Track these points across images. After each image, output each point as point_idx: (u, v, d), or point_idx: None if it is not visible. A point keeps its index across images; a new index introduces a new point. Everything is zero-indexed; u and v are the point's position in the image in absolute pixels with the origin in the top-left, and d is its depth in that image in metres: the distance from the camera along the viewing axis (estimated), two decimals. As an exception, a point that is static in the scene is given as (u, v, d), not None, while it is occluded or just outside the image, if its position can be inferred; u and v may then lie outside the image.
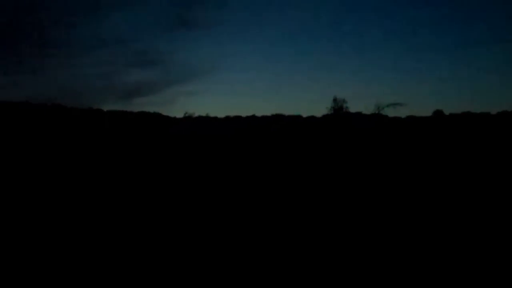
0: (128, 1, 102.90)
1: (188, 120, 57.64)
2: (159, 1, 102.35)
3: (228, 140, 35.18)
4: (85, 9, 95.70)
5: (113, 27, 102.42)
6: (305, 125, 52.51)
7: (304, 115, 59.96)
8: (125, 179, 13.54)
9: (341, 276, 5.46)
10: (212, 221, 8.17)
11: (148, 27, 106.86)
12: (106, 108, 57.41)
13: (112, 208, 9.27)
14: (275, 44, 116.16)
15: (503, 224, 7.87)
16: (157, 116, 60.02)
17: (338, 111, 47.80)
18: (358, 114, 48.50)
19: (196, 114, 60.11)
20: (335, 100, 47.86)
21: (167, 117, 60.65)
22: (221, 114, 68.10)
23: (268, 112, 66.22)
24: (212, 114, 61.87)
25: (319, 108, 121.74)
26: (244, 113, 64.04)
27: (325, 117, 51.75)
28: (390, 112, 59.41)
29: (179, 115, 61.12)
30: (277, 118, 59.36)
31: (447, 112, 52.86)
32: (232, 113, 66.25)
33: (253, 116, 61.91)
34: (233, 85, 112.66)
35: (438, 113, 51.86)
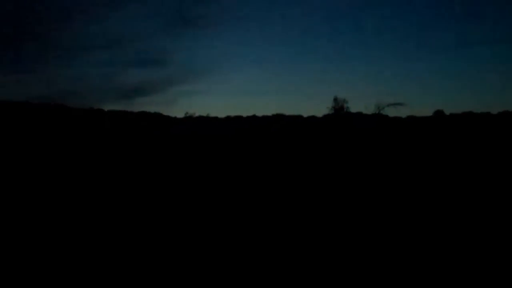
0: (129, 1, 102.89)
1: (189, 120, 57.65)
2: (160, 1, 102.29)
3: (229, 140, 35.19)
4: (86, 9, 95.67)
5: (113, 26, 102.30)
6: (305, 125, 52.51)
7: (305, 115, 59.95)
8: (126, 179, 13.55)
9: (343, 276, 5.47)
10: (213, 221, 8.18)
11: (149, 27, 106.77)
12: (107, 108, 57.46)
13: (113, 208, 9.29)
14: (276, 44, 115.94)
15: (504, 223, 7.87)
16: (158, 116, 60.05)
17: (339, 111, 47.79)
18: (359, 114, 48.49)
19: (197, 114, 60.15)
20: (335, 100, 47.86)
21: (168, 117, 60.68)
22: (221, 114, 68.03)
23: (268, 112, 66.17)
24: (212, 114, 61.87)
25: (320, 108, 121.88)
26: (244, 113, 63.97)
27: (325, 117, 51.75)
28: (391, 112, 59.55)
29: (180, 115, 61.12)
30: (278, 118, 59.36)
31: (447, 112, 52.86)
32: (233, 113, 66.20)
33: (254, 116, 61.91)
34: (234, 85, 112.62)
35: (438, 113, 51.84)
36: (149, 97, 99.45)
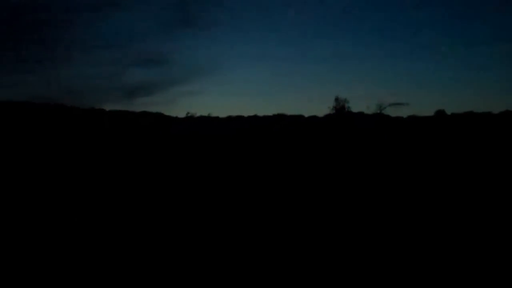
0: (130, 1, 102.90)
1: (190, 120, 57.64)
2: (161, 1, 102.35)
3: (230, 140, 35.18)
4: (87, 9, 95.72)
5: (115, 27, 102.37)
6: (307, 125, 52.46)
7: (306, 115, 59.86)
8: (127, 179, 13.54)
9: (346, 276, 5.44)
10: (214, 221, 8.16)
11: (150, 27, 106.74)
12: (108, 108, 57.45)
13: (114, 208, 9.27)
14: (277, 44, 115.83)
15: (505, 223, 7.84)
16: (159, 116, 60.04)
17: (340, 111, 47.78)
18: (360, 114, 48.47)
19: (198, 114, 60.12)
20: (337, 99, 47.87)
21: (169, 117, 60.65)
22: (223, 114, 67.98)
23: (270, 112, 66.08)
24: (214, 114, 61.77)
25: (321, 108, 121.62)
26: (246, 113, 63.92)
27: (327, 117, 51.72)
28: (392, 112, 59.54)
29: (181, 115, 61.07)
30: (279, 118, 59.27)
31: (449, 111, 52.75)
32: (234, 113, 66.09)
33: (255, 116, 61.83)
34: (235, 85, 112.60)
35: (440, 113, 51.75)
36: (150, 97, 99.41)
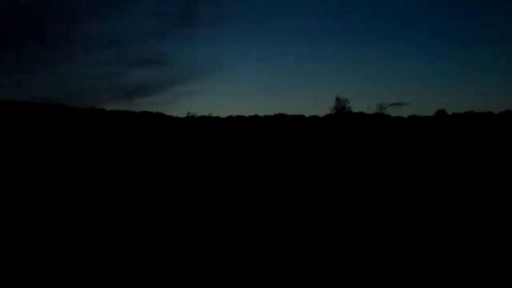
0: (131, 1, 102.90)
1: (191, 120, 57.65)
2: (163, 1, 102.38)
3: (230, 140, 35.17)
4: (87, 9, 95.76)
5: (115, 27, 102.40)
6: (307, 125, 52.47)
7: (307, 115, 59.85)
8: (127, 179, 13.53)
9: (346, 276, 5.42)
10: (214, 221, 8.14)
11: (150, 27, 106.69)
12: (108, 108, 57.49)
13: (114, 208, 9.26)
14: (278, 44, 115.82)
15: (506, 222, 7.82)
16: (160, 116, 60.06)
17: (341, 110, 47.79)
18: (361, 113, 48.47)
19: (199, 114, 60.13)
20: (337, 99, 47.88)
21: (170, 117, 60.67)
22: (223, 114, 67.96)
23: (270, 112, 65.99)
24: (214, 114, 61.76)
25: (321, 108, 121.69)
26: (246, 113, 63.90)
27: (327, 117, 51.74)
28: (393, 112, 59.51)
29: (182, 115, 61.09)
30: (280, 118, 59.27)
31: (449, 111, 52.74)
32: (235, 113, 66.07)
33: (256, 116, 61.83)
34: (235, 85, 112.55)
35: (440, 113, 51.73)
36: (151, 97, 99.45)
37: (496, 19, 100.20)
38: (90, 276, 5.41)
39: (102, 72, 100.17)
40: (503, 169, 15.48)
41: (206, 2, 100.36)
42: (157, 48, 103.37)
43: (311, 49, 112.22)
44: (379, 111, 43.72)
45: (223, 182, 13.11)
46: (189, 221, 8.14)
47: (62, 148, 25.37)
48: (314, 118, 57.72)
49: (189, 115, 59.29)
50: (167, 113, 62.77)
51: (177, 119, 59.75)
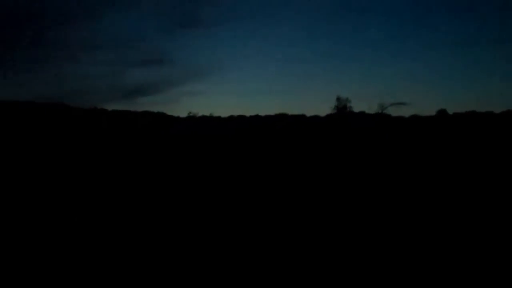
0: (132, 1, 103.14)
1: (192, 119, 57.75)
2: (163, 1, 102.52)
3: (231, 140, 35.18)
4: (89, 9, 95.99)
5: (117, 27, 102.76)
6: (308, 124, 52.47)
7: (308, 114, 59.93)
8: (127, 179, 13.54)
9: (343, 276, 5.42)
10: (214, 221, 8.14)
11: (152, 28, 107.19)
12: (110, 107, 57.68)
13: (115, 208, 9.27)
14: (279, 44, 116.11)
15: (506, 222, 7.81)
16: (161, 116, 60.20)
17: (342, 110, 47.82)
18: (362, 113, 48.51)
19: (200, 114, 60.26)
20: (338, 99, 47.93)
21: (171, 117, 60.80)
22: (224, 114, 68.07)
23: (271, 112, 66.09)
24: (215, 114, 61.90)
25: (322, 108, 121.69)
26: (247, 113, 63.98)
27: (328, 116, 51.78)
28: (394, 112, 59.38)
29: (183, 114, 61.25)
30: (281, 118, 59.32)
31: (451, 111, 52.75)
32: (236, 113, 66.16)
33: (257, 116, 61.91)
34: (236, 85, 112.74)
35: (442, 112, 51.70)
36: (152, 96, 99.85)
37: (496, 19, 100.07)
38: (90, 276, 5.43)
39: (103, 72, 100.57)
40: (504, 168, 15.44)
41: (207, 2, 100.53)
42: (158, 48, 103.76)
43: (312, 49, 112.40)
44: (380, 111, 43.74)
45: (224, 181, 13.11)
46: (189, 221, 8.14)
47: (63, 148, 25.43)
48: (315, 118, 57.77)
49: (190, 115, 59.46)
50: (169, 113, 63.00)
51: (178, 118, 59.89)
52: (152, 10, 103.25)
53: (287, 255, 6.15)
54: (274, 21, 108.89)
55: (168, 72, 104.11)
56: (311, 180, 13.40)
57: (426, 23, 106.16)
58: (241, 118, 60.94)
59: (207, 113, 61.51)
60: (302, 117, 59.43)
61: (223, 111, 73.66)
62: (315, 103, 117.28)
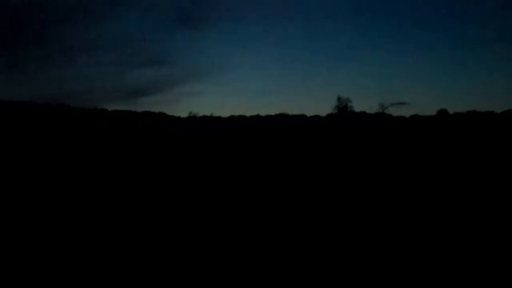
0: (133, 2, 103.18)
1: (192, 119, 57.74)
2: (163, 1, 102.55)
3: (232, 140, 35.17)
4: (90, 9, 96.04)
5: (118, 27, 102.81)
6: (309, 124, 52.44)
7: (308, 114, 59.85)
8: (128, 179, 13.53)
9: (343, 275, 5.41)
10: (216, 220, 8.13)
11: (153, 28, 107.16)
12: (110, 108, 57.67)
13: (116, 208, 9.26)
14: (279, 44, 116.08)
15: (508, 221, 7.79)
16: (162, 116, 60.17)
17: (343, 110, 47.82)
18: (362, 113, 48.47)
19: (200, 114, 60.24)
20: (339, 99, 47.94)
21: (172, 117, 60.76)
22: (225, 114, 68.08)
23: (272, 112, 66.02)
24: (216, 114, 61.88)
25: (323, 107, 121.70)
26: (248, 113, 63.91)
27: (329, 116, 51.76)
28: (394, 111, 59.48)
29: (184, 114, 61.23)
30: (281, 118, 59.25)
31: (451, 111, 52.68)
32: (236, 113, 66.11)
33: (258, 116, 61.82)
34: (237, 85, 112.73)
35: (442, 112, 51.64)
36: (152, 97, 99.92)
37: (496, 19, 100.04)
38: (90, 276, 5.41)
39: (104, 72, 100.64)
40: (505, 168, 15.41)
41: (207, 2, 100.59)
42: (159, 48, 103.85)
43: (313, 49, 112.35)
44: (380, 111, 43.72)
45: (224, 181, 13.09)
46: (190, 221, 8.13)
47: (63, 148, 25.42)
48: (316, 117, 57.70)
49: (191, 115, 59.45)
50: (169, 113, 62.95)
51: (178, 119, 59.86)
52: (152, 10, 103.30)
53: (288, 255, 6.13)
54: (274, 21, 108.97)
55: (168, 72, 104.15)
56: (312, 180, 13.38)
57: (426, 23, 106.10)
58: (242, 118, 60.86)
59: (207, 113, 61.51)
60: (302, 117, 59.34)
61: (224, 111, 73.75)
62: (316, 103, 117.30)
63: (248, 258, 6.05)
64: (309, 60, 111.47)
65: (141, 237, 7.07)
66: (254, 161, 19.46)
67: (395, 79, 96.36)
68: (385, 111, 43.46)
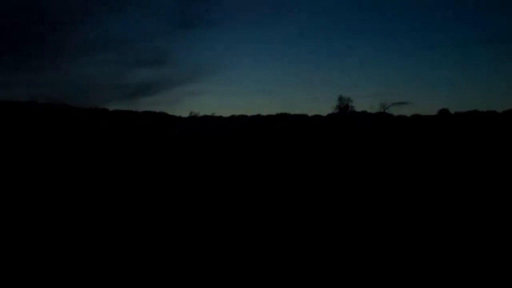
0: (133, 1, 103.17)
1: (193, 119, 57.77)
2: (164, 1, 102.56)
3: (232, 139, 35.16)
4: (91, 9, 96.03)
5: (119, 27, 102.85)
6: (310, 124, 52.42)
7: (310, 114, 59.82)
8: (128, 179, 13.52)
9: (346, 276, 5.38)
10: (216, 220, 8.11)
11: (153, 27, 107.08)
12: (111, 107, 57.71)
13: (117, 208, 9.24)
14: (280, 44, 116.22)
15: (508, 222, 7.76)
16: (163, 116, 60.19)
17: (344, 110, 47.85)
18: (364, 113, 48.48)
19: (201, 114, 60.27)
20: (340, 99, 47.97)
21: (173, 117, 60.78)
22: (226, 114, 68.12)
23: (273, 112, 65.98)
24: (217, 114, 61.89)
25: (324, 107, 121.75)
26: (249, 113, 63.91)
27: (330, 116, 51.78)
28: (395, 111, 59.40)
29: (185, 114, 61.27)
30: (282, 117, 59.23)
31: (452, 110, 52.63)
32: (237, 112, 66.10)
33: (258, 116, 61.80)
34: (238, 84, 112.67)
35: (443, 112, 51.60)
36: (153, 96, 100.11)
37: (496, 19, 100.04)
38: (90, 276, 5.39)
39: (104, 72, 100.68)
40: (506, 167, 15.38)
41: (208, 2, 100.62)
42: (159, 48, 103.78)
43: (313, 49, 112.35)
44: (381, 111, 43.77)
45: (225, 181, 13.08)
46: (190, 221, 8.11)
47: (64, 148, 25.43)
48: (317, 117, 57.67)
49: (192, 114, 59.49)
50: (170, 112, 62.97)
51: (179, 118, 59.88)
52: (153, 10, 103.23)
53: (288, 255, 6.11)
54: (274, 21, 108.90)
55: (169, 72, 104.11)
56: (313, 179, 13.36)
57: (426, 23, 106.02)
58: (243, 117, 60.82)
59: (208, 113, 61.51)
60: (304, 116, 59.29)
61: (225, 111, 73.80)
62: (317, 103, 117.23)
63: (251, 258, 6.03)
64: (310, 60, 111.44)
65: (142, 237, 7.05)
66: (255, 161, 19.44)
67: (396, 79, 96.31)
68: (386, 111, 43.50)
